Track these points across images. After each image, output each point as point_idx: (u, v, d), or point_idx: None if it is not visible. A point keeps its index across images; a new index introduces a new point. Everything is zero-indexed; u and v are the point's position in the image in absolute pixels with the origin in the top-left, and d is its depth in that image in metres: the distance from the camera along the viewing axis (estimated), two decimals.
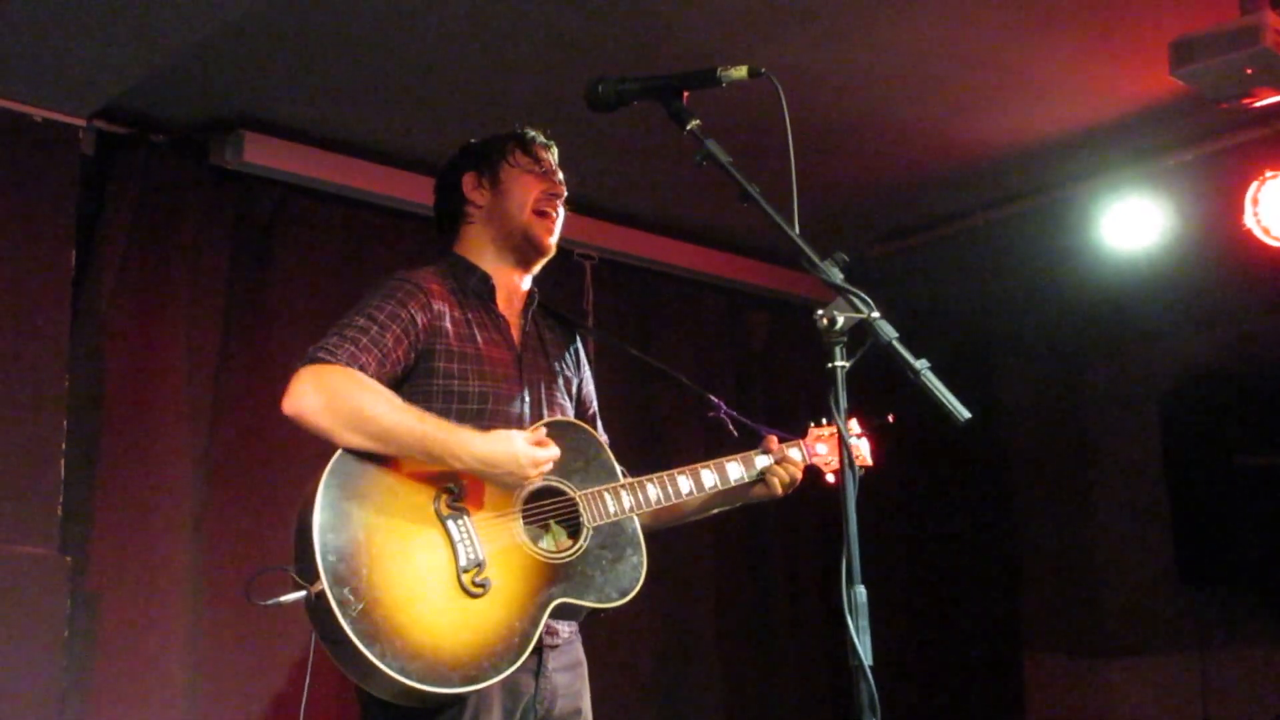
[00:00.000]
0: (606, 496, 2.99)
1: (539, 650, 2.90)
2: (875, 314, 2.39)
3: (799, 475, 3.31)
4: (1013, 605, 7.57)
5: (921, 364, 2.35)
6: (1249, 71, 4.19)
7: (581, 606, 2.91)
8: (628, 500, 3.01)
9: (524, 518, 2.89)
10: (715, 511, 3.36)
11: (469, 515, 2.82)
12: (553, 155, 3.25)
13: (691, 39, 4.42)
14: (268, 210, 5.01)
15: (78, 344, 4.47)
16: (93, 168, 4.63)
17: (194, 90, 4.62)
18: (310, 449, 2.83)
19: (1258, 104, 4.42)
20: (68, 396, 4.39)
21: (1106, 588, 7.52)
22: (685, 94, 2.74)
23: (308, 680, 2.89)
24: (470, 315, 3.06)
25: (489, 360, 3.03)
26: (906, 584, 6.93)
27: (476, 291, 3.12)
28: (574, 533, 2.95)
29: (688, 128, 2.68)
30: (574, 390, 3.27)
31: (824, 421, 3.42)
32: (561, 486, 2.97)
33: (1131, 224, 5.71)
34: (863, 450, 3.50)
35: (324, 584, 2.60)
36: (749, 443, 3.31)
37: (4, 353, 4.27)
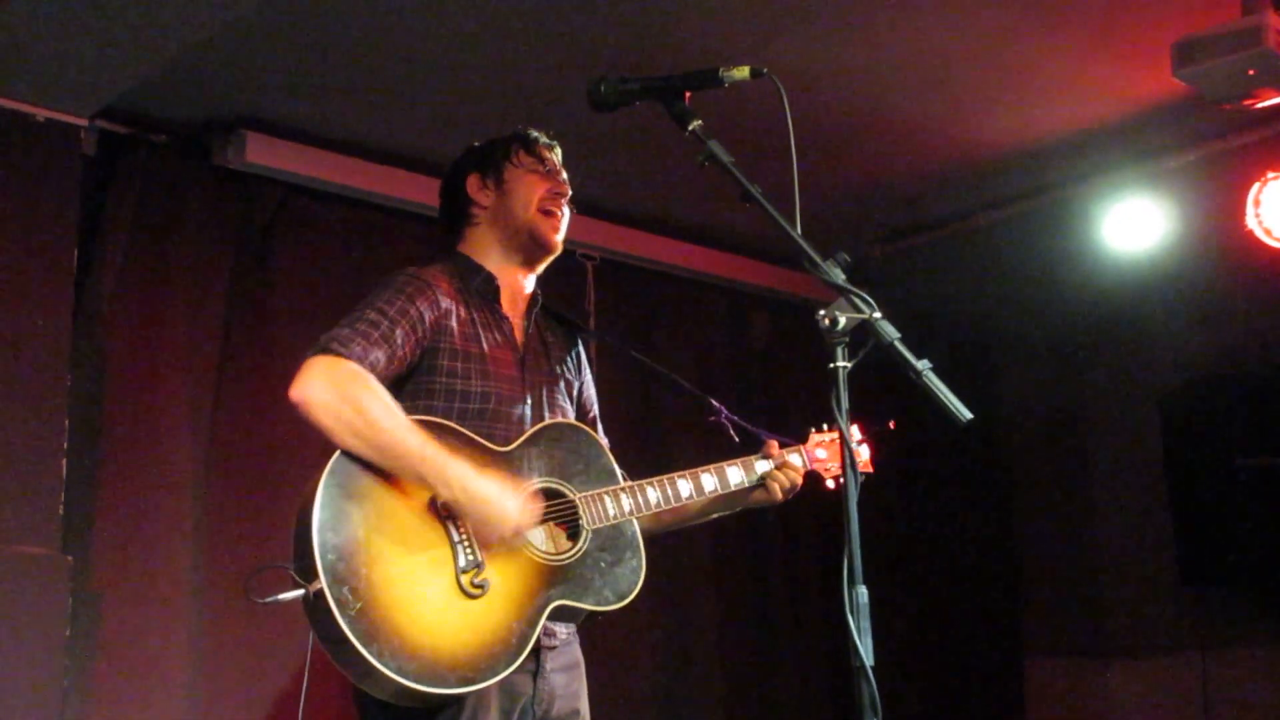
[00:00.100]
0: (606, 499, 2.99)
1: (537, 651, 2.90)
2: (877, 314, 2.39)
3: (799, 480, 3.31)
4: (1013, 606, 7.57)
5: (923, 364, 2.35)
6: (1251, 73, 4.19)
7: (580, 609, 2.91)
8: (627, 503, 3.01)
9: None
10: (715, 516, 3.36)
11: None
12: (556, 155, 3.26)
13: (693, 39, 4.42)
14: (269, 210, 5.01)
15: (79, 343, 4.47)
16: (94, 168, 4.63)
17: (195, 90, 4.62)
18: (311, 449, 2.83)
19: (1259, 105, 4.42)
20: (69, 396, 4.40)
21: (1107, 589, 7.50)
22: (687, 94, 2.74)
23: (305, 681, 2.89)
24: (475, 315, 3.06)
25: (492, 361, 3.03)
26: (907, 585, 6.93)
27: (481, 291, 3.12)
28: (573, 535, 2.95)
29: (689, 128, 2.68)
30: (575, 393, 3.27)
31: (824, 427, 3.42)
32: (561, 489, 2.97)
33: (1133, 225, 5.71)
34: (863, 456, 3.50)
35: (322, 583, 2.59)
36: (749, 447, 3.31)
37: (5, 352, 4.27)
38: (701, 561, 6.07)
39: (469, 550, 2.78)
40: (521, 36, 4.40)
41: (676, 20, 4.33)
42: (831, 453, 3.41)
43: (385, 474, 2.77)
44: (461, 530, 2.79)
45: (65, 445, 4.36)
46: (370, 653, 2.58)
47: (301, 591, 2.62)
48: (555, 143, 3.28)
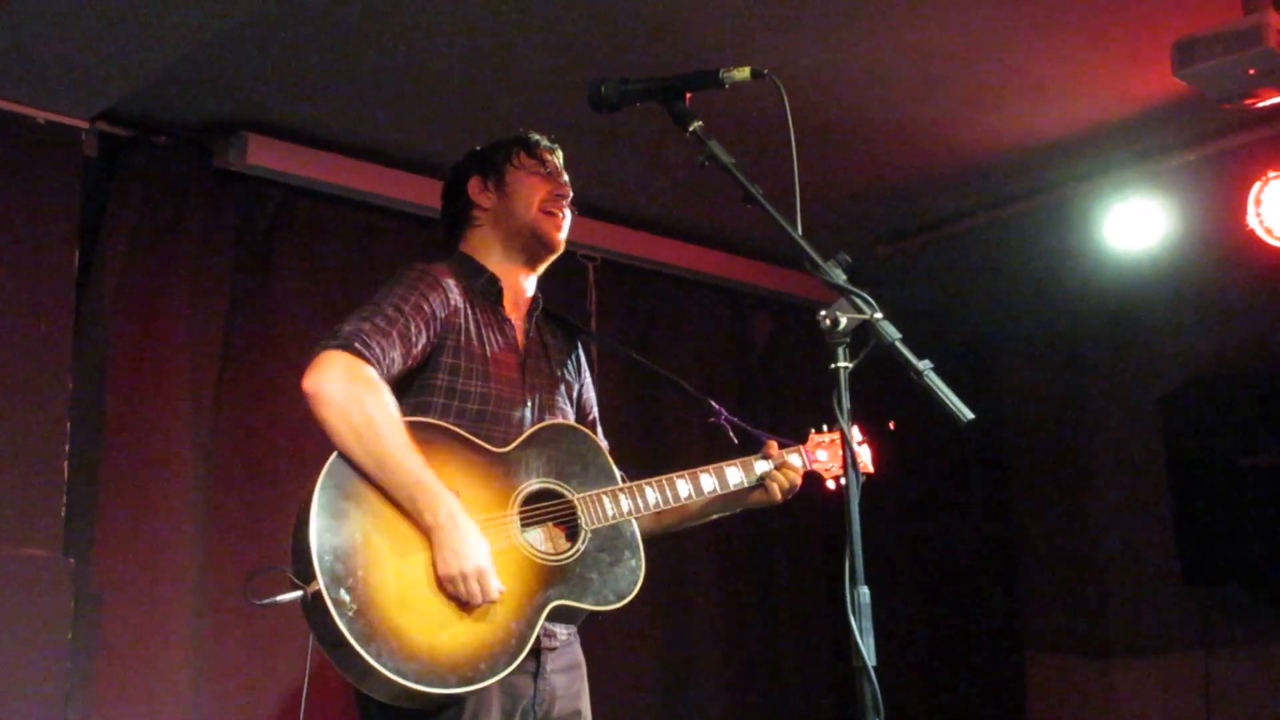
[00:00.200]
0: (605, 500, 2.99)
1: (537, 652, 2.90)
2: (878, 315, 2.40)
3: (798, 481, 3.31)
4: (1015, 605, 7.58)
5: (924, 365, 2.36)
6: (1252, 72, 4.19)
7: (579, 609, 2.91)
8: (626, 503, 3.01)
9: (521, 519, 2.89)
10: (715, 516, 3.36)
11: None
12: (558, 158, 3.27)
13: (694, 40, 4.42)
14: (271, 212, 5.01)
15: (81, 346, 4.47)
16: (96, 170, 4.63)
17: (197, 92, 4.62)
18: (312, 450, 2.83)
19: (1261, 104, 4.41)
20: (71, 398, 4.40)
21: (1109, 588, 7.51)
22: (688, 95, 2.74)
23: (306, 684, 2.89)
24: (479, 315, 3.07)
25: (494, 362, 3.04)
26: (908, 585, 6.93)
27: (484, 293, 3.12)
28: (572, 535, 2.95)
29: (690, 129, 2.69)
30: (574, 395, 3.28)
31: (825, 428, 3.42)
32: (559, 489, 2.97)
33: (1134, 224, 5.71)
34: (864, 457, 3.50)
35: (320, 584, 2.59)
36: (749, 448, 3.31)
37: (7, 354, 4.27)
38: (703, 561, 6.07)
39: None
40: (523, 38, 4.40)
41: (677, 21, 4.33)
42: (831, 453, 3.41)
43: None
44: None
45: (67, 447, 4.36)
46: (369, 654, 2.58)
47: (300, 593, 2.62)
48: (556, 145, 3.29)
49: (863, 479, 3.26)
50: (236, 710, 4.65)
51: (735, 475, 3.23)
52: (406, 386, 2.96)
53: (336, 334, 2.82)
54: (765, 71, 2.66)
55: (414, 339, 2.90)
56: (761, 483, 3.26)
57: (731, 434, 3.37)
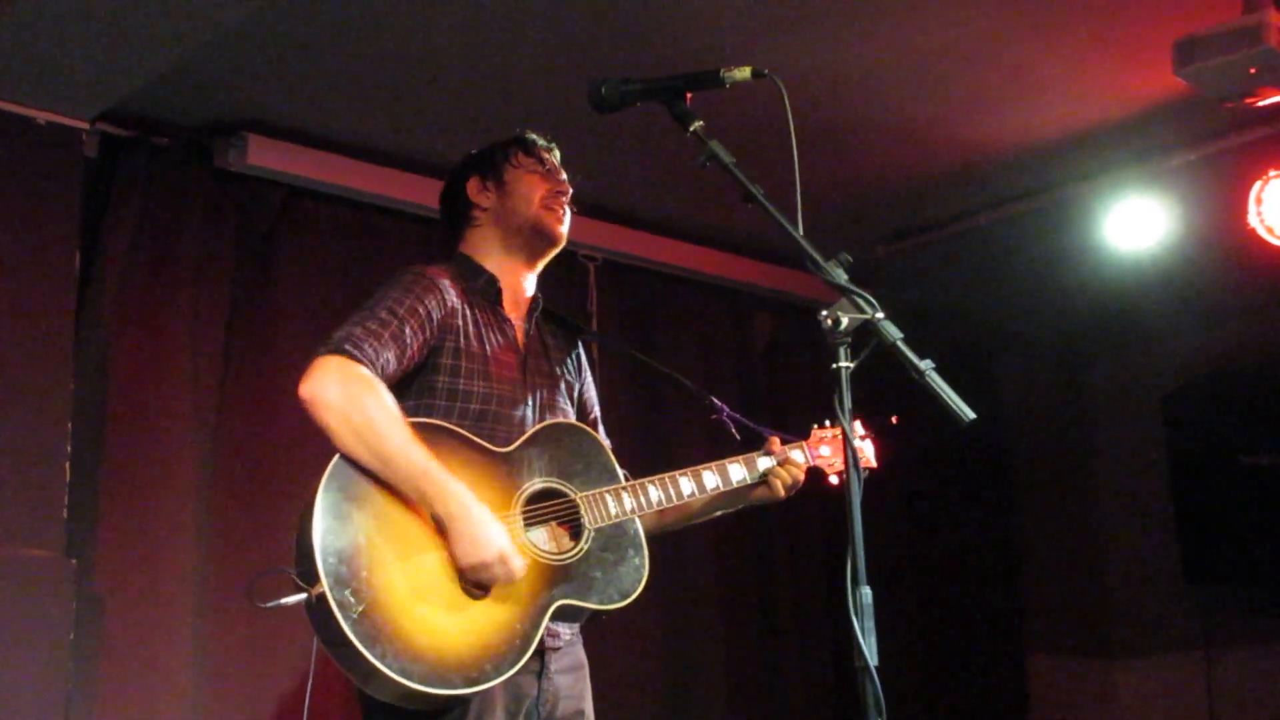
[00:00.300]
0: (608, 498, 2.99)
1: (541, 652, 2.90)
2: (879, 315, 2.39)
3: (801, 477, 3.30)
4: (1016, 605, 7.57)
5: (926, 364, 2.35)
6: (1253, 71, 4.19)
7: (583, 608, 2.90)
8: (629, 502, 3.01)
9: (524, 519, 2.89)
10: (719, 513, 3.36)
11: None
12: (555, 156, 3.28)
13: (694, 40, 4.42)
14: (271, 212, 5.02)
15: (82, 346, 4.48)
16: (96, 170, 4.63)
17: (198, 93, 4.62)
18: (315, 451, 2.83)
19: (1261, 103, 4.41)
20: (72, 399, 4.40)
21: (1110, 588, 7.51)
22: (688, 95, 2.74)
23: (310, 685, 2.89)
24: (479, 316, 3.07)
25: (494, 362, 3.04)
26: (909, 585, 6.93)
27: (483, 293, 3.13)
28: (575, 535, 2.95)
29: (691, 129, 2.68)
30: (575, 395, 3.28)
31: (827, 423, 3.42)
32: (562, 488, 2.97)
33: (1135, 224, 5.71)
34: (867, 452, 3.49)
35: (324, 586, 2.59)
36: (752, 445, 3.30)
37: (8, 355, 4.27)
38: (703, 561, 6.07)
39: None
40: (523, 38, 4.40)
41: (678, 21, 4.33)
42: (834, 449, 3.40)
43: None
44: None
45: (68, 448, 4.36)
46: (374, 655, 2.58)
47: (304, 595, 2.62)
48: (553, 145, 3.29)
49: (865, 473, 3.28)
50: (238, 711, 4.64)
51: (738, 472, 3.22)
52: (407, 389, 2.96)
53: (328, 340, 2.83)
54: (766, 71, 2.66)
55: (408, 341, 2.90)
56: (764, 479, 3.25)
57: (734, 430, 3.36)
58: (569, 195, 3.22)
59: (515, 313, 3.17)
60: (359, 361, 2.79)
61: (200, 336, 4.75)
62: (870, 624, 2.24)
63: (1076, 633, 7.56)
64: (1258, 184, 5.28)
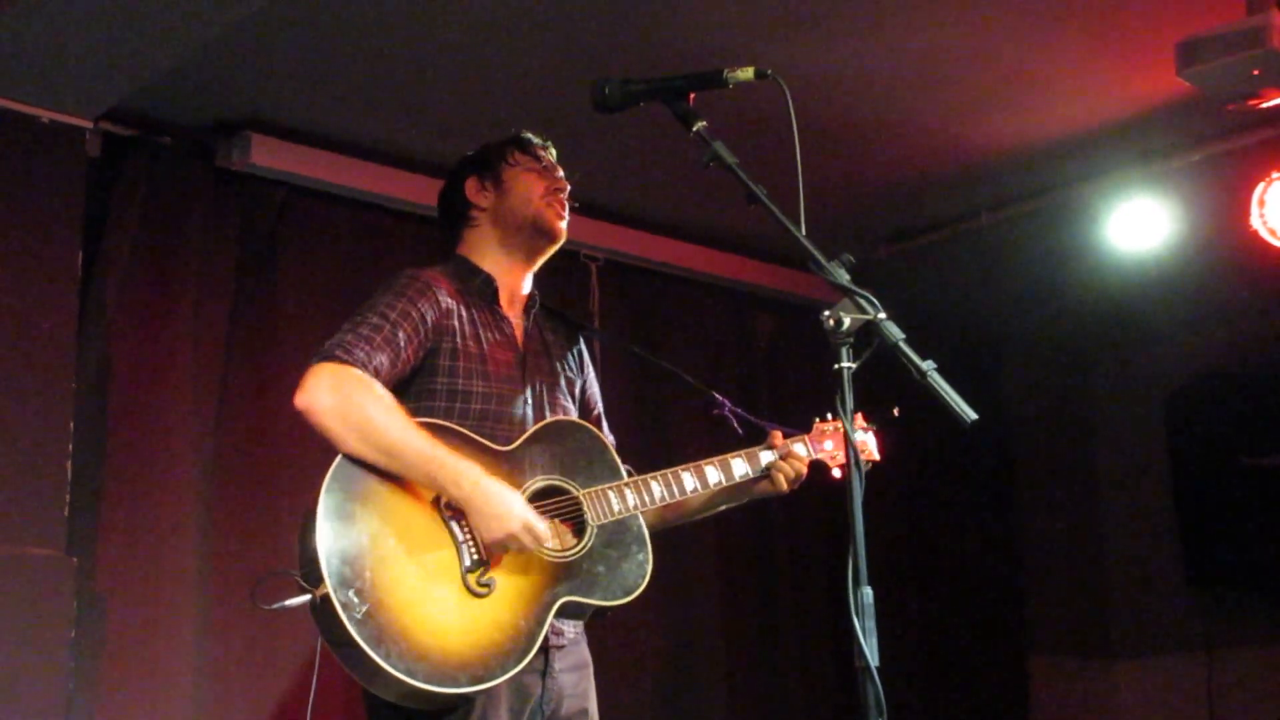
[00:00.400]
0: (610, 495, 2.99)
1: (545, 650, 2.90)
2: (882, 315, 2.39)
3: (804, 470, 3.28)
4: (1018, 606, 7.57)
5: (928, 365, 2.35)
6: (1256, 72, 4.19)
7: (588, 605, 2.91)
8: (632, 498, 3.01)
9: None
10: (722, 508, 3.34)
11: None
12: (552, 154, 3.29)
13: (697, 40, 4.42)
14: (273, 212, 5.02)
15: (84, 346, 4.48)
16: (99, 170, 4.63)
17: (200, 92, 4.62)
18: (316, 450, 2.84)
19: (1264, 105, 4.41)
20: (74, 398, 4.40)
21: (1112, 589, 7.51)
22: (691, 95, 2.74)
23: (314, 685, 2.89)
24: (476, 315, 3.08)
25: (493, 361, 3.04)
26: (911, 585, 6.93)
27: (480, 292, 3.13)
28: (579, 531, 2.95)
29: (694, 129, 2.68)
30: (577, 391, 3.28)
31: (829, 416, 3.40)
32: (565, 485, 2.97)
33: (1137, 225, 5.70)
34: (870, 445, 3.48)
35: (328, 587, 2.60)
36: (754, 440, 3.30)
37: (11, 354, 4.27)
38: (705, 562, 6.07)
39: (474, 550, 2.78)
40: (525, 38, 4.40)
41: (681, 22, 4.33)
42: (837, 441, 3.37)
43: (387, 477, 2.78)
44: (466, 530, 2.79)
45: (70, 447, 4.36)
46: (379, 655, 2.59)
47: (308, 597, 2.63)
48: (549, 143, 3.30)
49: (868, 466, 3.27)
50: (239, 710, 4.65)
51: (740, 467, 3.21)
52: (407, 392, 2.97)
53: (320, 350, 2.86)
54: (769, 72, 2.65)
55: (401, 344, 2.91)
56: (767, 473, 3.24)
57: (736, 425, 3.36)
58: (567, 192, 3.23)
59: (513, 311, 3.18)
60: (349, 365, 2.81)
61: (202, 335, 4.75)
62: (871, 624, 2.24)
63: (1078, 634, 7.55)
64: (1260, 185, 5.27)
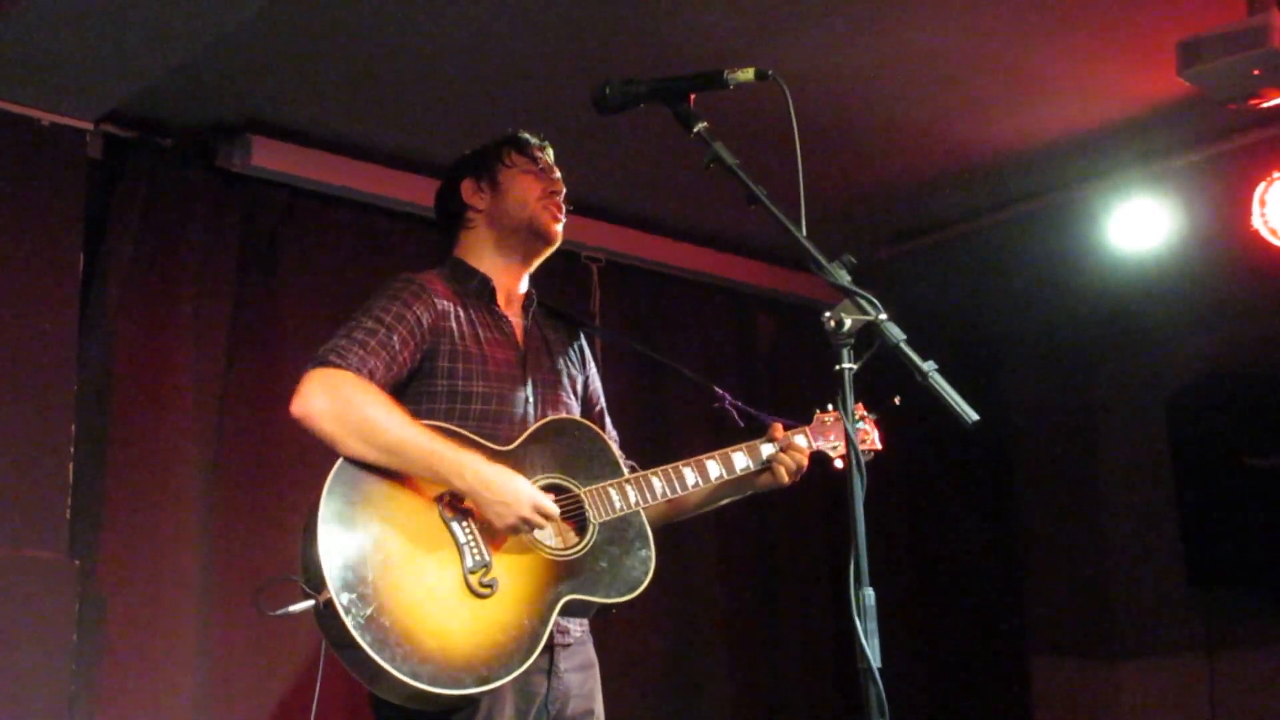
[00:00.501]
0: (611, 492, 2.99)
1: (550, 649, 2.90)
2: (883, 316, 2.39)
3: (805, 462, 3.26)
4: (1020, 607, 7.56)
5: (929, 366, 2.35)
6: (1256, 72, 4.18)
7: (591, 602, 2.90)
8: (633, 495, 3.01)
9: None
10: (725, 501, 3.32)
11: (473, 516, 2.82)
12: (548, 154, 3.28)
13: (698, 41, 4.42)
14: (275, 214, 5.02)
15: (85, 347, 4.48)
16: (100, 172, 4.64)
17: (201, 94, 4.63)
18: (318, 453, 2.84)
19: (1265, 105, 4.41)
20: (76, 400, 4.40)
21: (1114, 589, 7.50)
22: (692, 96, 2.74)
23: (318, 687, 2.90)
24: (474, 316, 3.08)
25: (492, 360, 3.04)
26: (913, 586, 6.92)
27: (478, 293, 3.13)
28: (581, 529, 2.95)
29: (694, 130, 2.68)
30: (579, 388, 3.27)
31: (830, 407, 3.38)
32: (566, 483, 2.97)
33: (1139, 225, 5.70)
34: (872, 436, 3.46)
35: (331, 592, 2.60)
36: (756, 432, 3.29)
37: (12, 356, 4.27)
38: (707, 561, 6.07)
39: (476, 550, 2.78)
40: (526, 39, 4.40)
41: (681, 22, 4.33)
42: (838, 432, 3.35)
43: (387, 480, 2.78)
44: (467, 530, 2.79)
45: (72, 449, 4.36)
46: (383, 659, 2.59)
47: (311, 602, 2.64)
48: (546, 143, 3.29)
49: (870, 456, 3.27)
50: (241, 712, 4.65)
51: (742, 460, 3.20)
52: (406, 396, 2.97)
53: (314, 356, 2.86)
54: (770, 72, 2.65)
55: (396, 348, 2.91)
56: (768, 466, 3.23)
57: (737, 418, 3.35)
58: (564, 194, 3.22)
59: (511, 310, 3.18)
60: (343, 369, 2.82)
61: (203, 337, 4.76)
62: (873, 625, 2.23)
63: (1080, 634, 7.54)
64: (1261, 185, 5.27)
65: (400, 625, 2.64)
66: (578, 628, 3.03)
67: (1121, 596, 7.46)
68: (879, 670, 2.22)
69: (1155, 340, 7.18)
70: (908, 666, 6.68)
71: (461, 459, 2.78)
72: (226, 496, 4.74)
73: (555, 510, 2.84)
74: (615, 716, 3.10)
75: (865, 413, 3.46)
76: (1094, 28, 4.50)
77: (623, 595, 2.93)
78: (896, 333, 2.38)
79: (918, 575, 6.98)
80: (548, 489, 2.94)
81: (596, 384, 3.36)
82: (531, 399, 3.07)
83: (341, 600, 2.60)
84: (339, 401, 2.78)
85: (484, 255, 3.19)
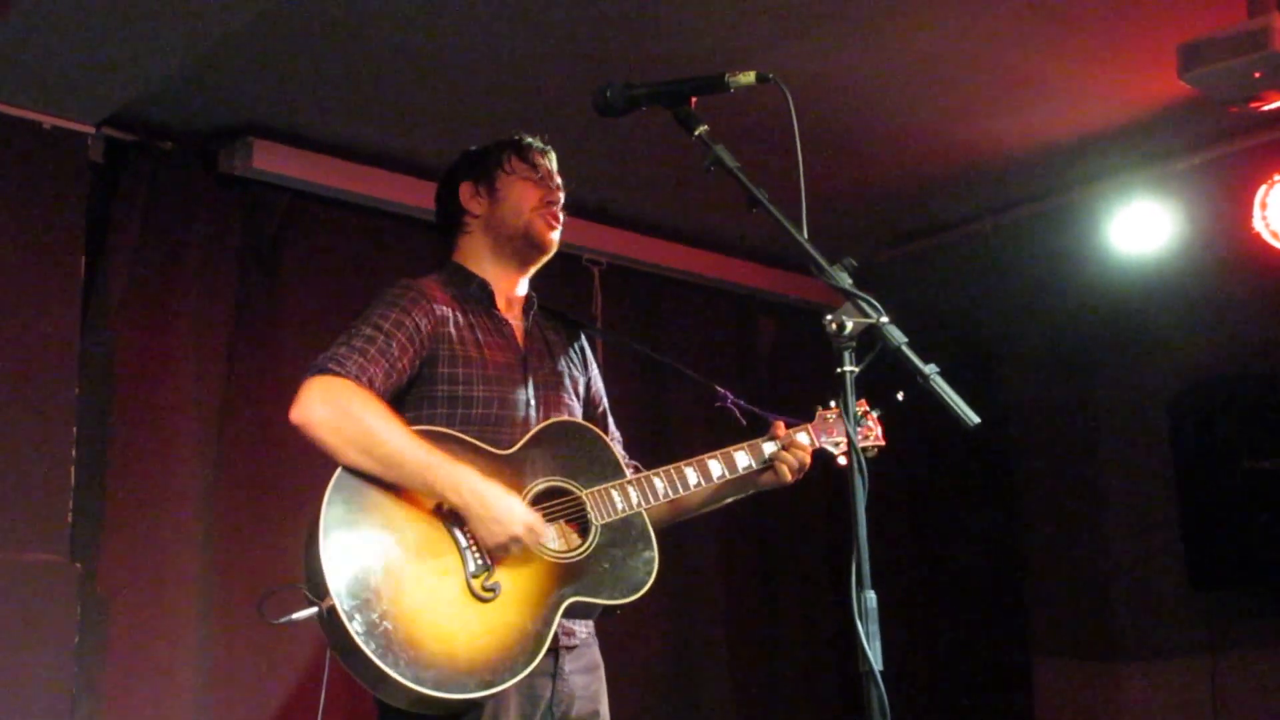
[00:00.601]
0: (613, 493, 2.99)
1: (555, 652, 2.91)
2: (884, 319, 2.39)
3: (807, 460, 3.25)
4: (1021, 609, 7.56)
5: (930, 369, 2.35)
6: (1257, 75, 4.18)
7: (595, 604, 2.90)
8: (635, 496, 3.01)
9: None
10: (728, 500, 3.31)
11: None
12: (550, 160, 3.26)
13: (699, 45, 4.42)
14: (276, 217, 5.02)
15: (87, 350, 4.48)
16: (102, 175, 4.64)
17: (203, 97, 4.63)
18: (319, 456, 2.84)
19: (1266, 108, 4.41)
20: (77, 403, 4.40)
21: (1116, 592, 7.49)
22: (693, 100, 2.74)
23: (323, 694, 2.90)
24: (473, 320, 3.08)
25: (493, 364, 3.04)
26: (915, 589, 6.93)
27: (476, 297, 3.13)
28: (583, 532, 2.95)
29: (696, 133, 2.68)
30: (581, 390, 3.27)
31: (832, 404, 3.36)
32: (567, 486, 2.97)
33: (1139, 228, 5.71)
34: (876, 431, 3.44)
35: (334, 599, 2.61)
36: (758, 431, 3.28)
37: (14, 359, 4.27)
38: (709, 563, 6.07)
39: (478, 555, 2.78)
40: (527, 43, 4.41)
41: (683, 26, 4.33)
42: (841, 429, 3.34)
43: (388, 486, 2.78)
44: (469, 535, 2.79)
45: (73, 453, 4.36)
46: (387, 664, 2.60)
47: (315, 609, 2.64)
48: (549, 148, 3.28)
49: (874, 453, 3.26)
50: (243, 715, 4.64)
51: (744, 459, 3.19)
52: (407, 402, 2.97)
53: (313, 363, 2.87)
54: (771, 76, 2.65)
55: (396, 354, 2.91)
56: (771, 464, 3.22)
57: (740, 416, 3.35)
58: (560, 203, 3.21)
59: (511, 313, 3.18)
60: (342, 377, 2.82)
61: (205, 341, 4.76)
62: (875, 628, 2.23)
63: (1081, 637, 7.54)
64: (1262, 188, 5.28)
65: (404, 630, 2.65)
66: (583, 629, 3.03)
67: (1123, 599, 7.46)
68: (880, 672, 2.22)
69: (1156, 343, 7.18)
70: (910, 669, 6.68)
71: (458, 475, 2.78)
72: (228, 498, 4.74)
73: (548, 535, 2.82)
74: (616, 717, 3.10)
75: (868, 408, 3.45)
76: (1095, 31, 4.50)
77: (626, 596, 2.93)
78: (898, 335, 2.38)
79: (919, 577, 6.98)
80: (548, 492, 2.94)
81: (599, 385, 3.36)
82: (533, 401, 3.07)
83: (345, 607, 2.61)
84: (338, 411, 2.78)
85: (482, 260, 3.19)
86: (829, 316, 2.38)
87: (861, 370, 2.39)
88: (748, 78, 2.67)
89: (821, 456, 3.32)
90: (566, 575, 2.87)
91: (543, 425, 3.03)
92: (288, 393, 2.84)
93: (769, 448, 3.23)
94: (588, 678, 3.02)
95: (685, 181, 5.31)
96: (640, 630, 5.56)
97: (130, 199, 4.68)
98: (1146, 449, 7.24)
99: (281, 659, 4.65)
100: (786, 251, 5.46)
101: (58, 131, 4.43)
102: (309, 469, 2.88)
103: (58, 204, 4.44)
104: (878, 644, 2.23)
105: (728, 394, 3.37)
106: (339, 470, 2.75)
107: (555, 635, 2.83)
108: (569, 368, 3.24)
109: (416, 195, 5.09)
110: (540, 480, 2.94)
